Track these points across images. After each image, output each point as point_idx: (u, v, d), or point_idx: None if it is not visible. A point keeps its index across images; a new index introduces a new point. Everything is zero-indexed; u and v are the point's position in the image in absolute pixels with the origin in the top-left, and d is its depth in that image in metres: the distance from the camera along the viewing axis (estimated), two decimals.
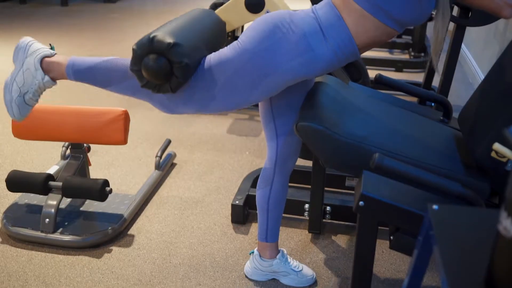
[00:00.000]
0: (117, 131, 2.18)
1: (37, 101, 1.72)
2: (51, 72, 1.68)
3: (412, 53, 4.69)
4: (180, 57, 1.46)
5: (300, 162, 2.70)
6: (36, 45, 1.71)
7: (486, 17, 2.60)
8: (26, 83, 1.67)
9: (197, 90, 1.56)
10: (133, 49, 1.49)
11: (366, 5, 1.42)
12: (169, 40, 1.45)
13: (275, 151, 1.78)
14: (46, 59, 1.69)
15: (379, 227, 2.20)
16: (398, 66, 4.37)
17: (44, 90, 1.71)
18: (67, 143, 2.65)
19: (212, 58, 1.56)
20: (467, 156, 1.53)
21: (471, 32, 4.55)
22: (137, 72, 1.51)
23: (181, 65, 1.46)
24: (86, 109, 2.21)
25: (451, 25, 2.94)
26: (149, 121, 3.37)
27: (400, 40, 4.96)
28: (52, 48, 1.70)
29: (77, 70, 1.65)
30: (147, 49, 1.47)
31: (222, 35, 1.81)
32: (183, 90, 1.57)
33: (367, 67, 4.35)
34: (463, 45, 4.76)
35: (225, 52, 1.55)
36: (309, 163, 2.68)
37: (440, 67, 3.55)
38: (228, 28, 1.91)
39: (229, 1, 1.95)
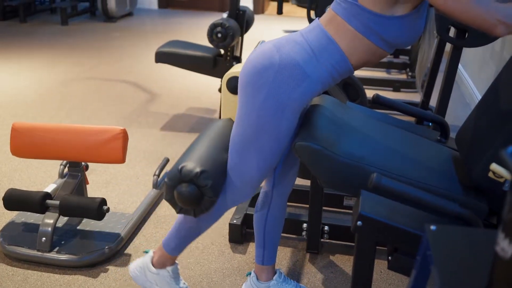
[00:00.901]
0: (115, 149, 2.18)
1: (184, 283, 1.87)
2: (164, 264, 1.82)
3: (410, 73, 4.73)
4: (208, 181, 1.56)
5: (298, 181, 2.70)
6: (139, 262, 1.85)
7: (482, 38, 2.63)
8: None
9: (240, 176, 1.62)
10: (165, 182, 1.60)
11: (359, 26, 1.44)
12: (197, 169, 1.56)
13: (273, 173, 1.78)
14: (154, 261, 1.82)
15: (377, 247, 2.19)
16: (396, 86, 4.40)
17: (178, 274, 1.85)
18: (65, 162, 2.65)
19: (232, 146, 1.61)
20: (465, 176, 1.53)
21: (467, 53, 4.59)
22: (170, 201, 1.62)
23: (208, 187, 1.56)
24: (84, 127, 2.21)
25: (448, 46, 2.97)
26: (148, 139, 3.37)
27: (397, 60, 5.00)
28: (147, 251, 1.86)
29: (174, 247, 1.78)
30: (178, 179, 1.58)
31: None
32: (230, 185, 1.64)
33: (364, 87, 4.38)
34: (460, 66, 4.80)
35: (236, 131, 1.59)
36: (307, 183, 2.68)
37: (436, 88, 3.57)
38: None
39: (221, 100, 2.05)
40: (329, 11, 1.51)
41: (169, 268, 1.81)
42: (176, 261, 1.84)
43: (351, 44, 1.47)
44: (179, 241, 1.76)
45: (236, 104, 1.99)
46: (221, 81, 2.09)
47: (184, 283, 1.86)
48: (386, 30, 1.43)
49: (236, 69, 2.07)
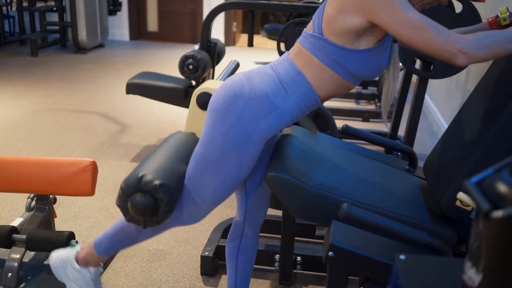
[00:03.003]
0: (84, 182, 2.15)
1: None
2: (89, 263, 1.77)
3: (378, 104, 4.82)
4: (166, 196, 1.52)
5: (270, 211, 2.69)
6: (63, 254, 1.81)
7: (447, 70, 2.71)
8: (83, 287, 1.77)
9: (195, 196, 1.60)
10: (121, 187, 1.55)
11: (326, 60, 1.48)
12: (157, 181, 1.52)
13: (245, 204, 1.77)
14: (79, 257, 1.78)
15: (349, 277, 2.19)
16: (365, 116, 4.48)
17: (99, 278, 1.81)
18: (32, 195, 2.59)
19: (192, 164, 1.59)
20: (433, 205, 1.56)
21: (434, 84, 4.72)
22: (122, 207, 1.57)
23: (165, 201, 1.52)
24: (52, 159, 2.18)
25: (414, 77, 3.05)
26: (118, 171, 3.33)
27: (366, 91, 5.10)
28: (74, 244, 1.82)
29: (105, 249, 1.74)
30: (135, 188, 1.53)
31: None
32: (185, 204, 1.61)
33: (334, 117, 4.44)
34: (426, 96, 4.92)
35: (197, 151, 1.58)
36: (279, 213, 2.67)
37: (404, 118, 3.65)
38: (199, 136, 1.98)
39: (188, 113, 2.02)
40: (297, 44, 1.55)
41: (92, 269, 1.76)
42: (101, 264, 1.80)
43: (318, 76, 1.50)
44: (113, 245, 1.72)
45: (202, 119, 1.97)
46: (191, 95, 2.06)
47: None
48: (352, 63, 1.47)
49: (207, 85, 2.06)
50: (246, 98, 1.50)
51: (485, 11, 2.98)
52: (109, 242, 1.71)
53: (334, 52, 1.46)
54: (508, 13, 1.52)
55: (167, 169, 1.58)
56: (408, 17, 1.34)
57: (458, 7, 2.62)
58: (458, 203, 1.41)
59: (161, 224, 1.64)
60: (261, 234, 2.58)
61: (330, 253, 1.28)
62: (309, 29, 1.53)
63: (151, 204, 1.52)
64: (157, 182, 1.51)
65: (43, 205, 2.26)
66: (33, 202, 2.58)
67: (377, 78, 5.13)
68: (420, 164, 1.89)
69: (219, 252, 2.31)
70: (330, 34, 1.45)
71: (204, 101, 2.01)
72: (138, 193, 1.52)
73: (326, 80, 1.51)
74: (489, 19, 1.57)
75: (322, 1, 3.00)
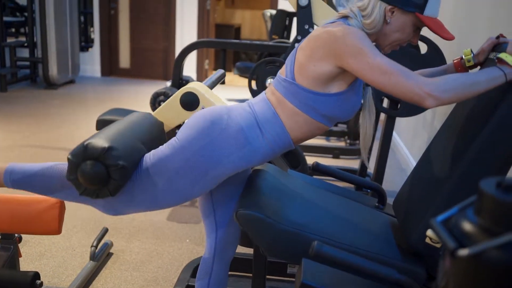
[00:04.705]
0: (51, 220, 2.09)
1: None
2: None
3: (348, 141, 4.89)
4: (116, 160, 1.46)
5: (241, 249, 2.67)
6: None
7: (413, 109, 2.78)
8: None
9: (138, 191, 1.56)
10: (68, 158, 1.48)
11: (298, 104, 1.52)
12: (103, 145, 1.45)
13: (214, 240, 1.76)
14: None
15: None
16: (335, 153, 4.53)
17: None
18: None
19: (151, 157, 1.57)
20: (403, 242, 1.57)
21: (401, 122, 4.82)
22: (74, 180, 1.50)
23: (117, 167, 1.46)
24: (18, 197, 2.12)
25: (382, 115, 3.11)
26: (86, 208, 3.26)
27: (336, 129, 5.17)
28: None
29: (15, 178, 1.64)
30: (82, 156, 1.47)
31: (161, 135, 1.85)
32: (124, 192, 1.56)
33: (305, 154, 4.47)
34: (394, 133, 5.01)
35: (163, 150, 1.56)
36: (250, 251, 2.65)
37: (373, 155, 3.70)
38: (166, 128, 1.95)
39: (165, 102, 2.01)
40: (272, 87, 1.58)
41: None
42: None
43: (292, 119, 1.54)
44: (25, 183, 1.62)
45: (175, 116, 1.94)
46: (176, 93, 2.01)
47: None
48: (324, 106, 1.51)
49: (194, 86, 2.02)
50: (223, 127, 1.52)
51: (451, 52, 3.09)
52: (22, 177, 1.62)
53: (306, 97, 1.50)
54: (472, 55, 1.57)
55: (119, 136, 1.51)
56: (376, 62, 1.38)
57: (424, 48, 2.71)
58: (427, 240, 1.43)
59: (86, 197, 1.56)
60: (232, 272, 2.55)
61: None
62: (282, 73, 1.57)
63: (102, 171, 1.44)
64: (105, 145, 1.44)
65: (8, 244, 2.19)
66: None
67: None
68: (389, 200, 1.91)
69: None
70: (302, 79, 1.49)
71: (187, 100, 1.96)
72: (88, 162, 1.45)
73: (299, 122, 1.54)
74: (455, 61, 1.63)
75: (293, 41, 3.06)
